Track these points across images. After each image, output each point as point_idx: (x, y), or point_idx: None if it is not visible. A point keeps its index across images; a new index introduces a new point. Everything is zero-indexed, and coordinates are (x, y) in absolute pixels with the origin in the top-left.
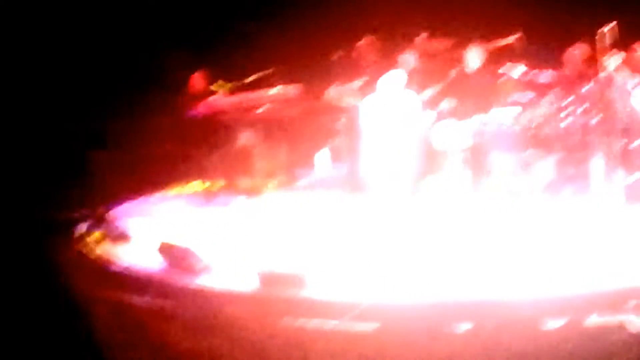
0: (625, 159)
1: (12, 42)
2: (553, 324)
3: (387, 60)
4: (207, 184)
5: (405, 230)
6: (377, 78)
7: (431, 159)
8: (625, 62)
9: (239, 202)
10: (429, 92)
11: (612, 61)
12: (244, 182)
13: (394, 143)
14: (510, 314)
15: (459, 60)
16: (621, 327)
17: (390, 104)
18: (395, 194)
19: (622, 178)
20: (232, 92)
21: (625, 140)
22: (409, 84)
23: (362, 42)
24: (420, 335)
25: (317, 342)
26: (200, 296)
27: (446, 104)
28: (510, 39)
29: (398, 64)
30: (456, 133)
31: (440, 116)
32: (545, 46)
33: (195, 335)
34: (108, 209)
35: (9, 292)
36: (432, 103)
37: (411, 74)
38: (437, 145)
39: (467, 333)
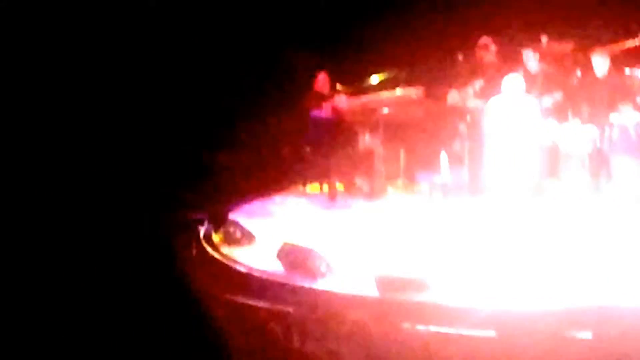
0: None
1: (141, 47)
2: None
3: (510, 62)
4: (329, 185)
5: (525, 234)
6: (498, 81)
7: (554, 162)
8: None
9: (361, 205)
10: (552, 95)
11: None
12: (366, 184)
13: (517, 146)
14: (631, 321)
15: (582, 63)
16: None
17: (513, 106)
18: (517, 198)
19: None
20: (355, 94)
21: None
22: (532, 87)
23: (482, 43)
24: (539, 342)
25: (436, 348)
26: (321, 299)
27: (570, 107)
28: (634, 41)
29: (520, 66)
30: (580, 136)
31: (564, 119)
32: None
33: (314, 339)
34: (231, 210)
35: (134, 291)
36: (556, 106)
37: (534, 77)
38: (561, 149)
39: (587, 340)
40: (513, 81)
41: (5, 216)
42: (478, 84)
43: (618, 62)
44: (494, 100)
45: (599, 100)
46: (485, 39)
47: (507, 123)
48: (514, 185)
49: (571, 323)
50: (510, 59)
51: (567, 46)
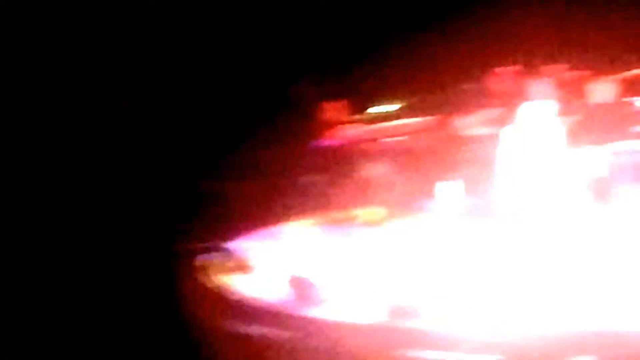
0: None
1: (150, 71)
2: None
3: (521, 90)
4: (331, 215)
5: (528, 259)
6: (510, 108)
7: (562, 188)
8: None
9: (364, 233)
10: (562, 122)
11: None
12: (371, 213)
13: (528, 173)
14: (632, 347)
15: (589, 91)
16: None
17: (526, 133)
18: (526, 224)
19: None
20: (366, 122)
21: None
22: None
23: (496, 71)
24: None
25: None
26: (319, 327)
27: (577, 134)
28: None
29: (532, 94)
30: (587, 163)
31: (572, 146)
32: None
33: None
34: (230, 239)
35: (131, 322)
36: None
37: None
38: (568, 175)
39: None
40: (530, 108)
41: None
42: (488, 112)
43: (626, 90)
44: (505, 127)
45: (606, 127)
46: (501, 69)
47: (520, 150)
48: (525, 212)
49: (573, 349)
50: (522, 87)
51: (575, 72)
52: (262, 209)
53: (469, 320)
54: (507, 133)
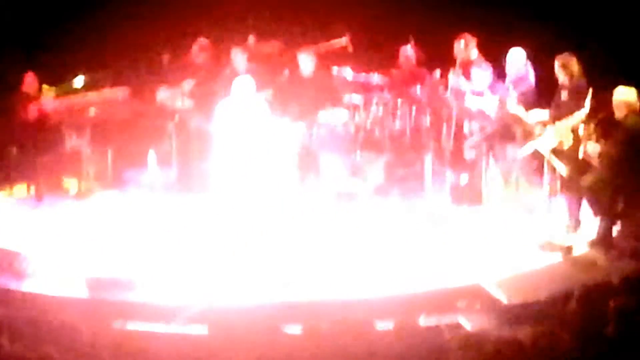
0: (455, 160)
1: None
2: (385, 324)
3: (218, 62)
4: (35, 187)
5: (237, 231)
6: (207, 80)
7: (264, 160)
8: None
9: (68, 206)
10: (260, 95)
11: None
12: (73, 184)
13: (247, 146)
14: (343, 315)
15: (289, 63)
16: (452, 327)
17: (242, 108)
18: (229, 195)
19: (451, 179)
20: (61, 94)
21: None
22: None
23: (198, 45)
24: (252, 337)
25: (148, 345)
26: (29, 301)
27: (278, 105)
28: (340, 41)
29: (229, 66)
30: (287, 134)
31: (272, 118)
32: (375, 48)
33: (24, 342)
34: None
35: None
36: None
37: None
38: (269, 146)
39: (298, 335)
40: (242, 82)
41: None
42: (187, 84)
43: (325, 61)
44: (223, 102)
45: (307, 99)
46: (201, 41)
47: (236, 124)
48: (228, 183)
49: (282, 317)
50: (219, 60)
51: (274, 45)
52: None
53: (179, 292)
54: (220, 107)
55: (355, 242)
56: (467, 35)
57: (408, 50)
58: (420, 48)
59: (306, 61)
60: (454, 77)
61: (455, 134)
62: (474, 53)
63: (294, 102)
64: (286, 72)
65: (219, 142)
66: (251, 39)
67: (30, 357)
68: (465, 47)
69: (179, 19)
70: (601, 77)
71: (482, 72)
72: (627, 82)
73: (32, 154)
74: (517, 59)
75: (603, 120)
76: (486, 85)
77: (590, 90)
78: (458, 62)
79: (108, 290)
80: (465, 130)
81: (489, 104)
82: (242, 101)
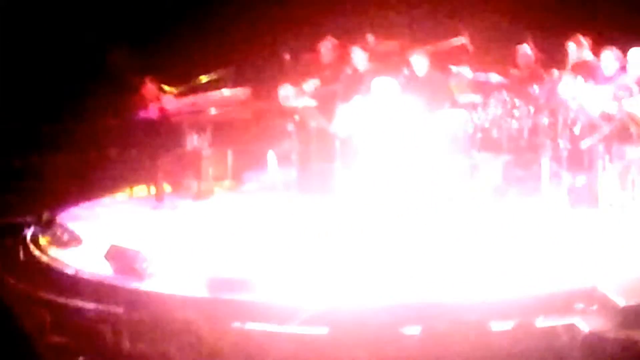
0: (574, 160)
1: None
2: (502, 325)
3: (340, 62)
4: (156, 187)
5: (357, 231)
6: (329, 80)
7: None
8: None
9: (188, 205)
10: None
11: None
12: (193, 185)
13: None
14: (460, 317)
15: (408, 62)
16: (569, 329)
17: (380, 108)
18: (351, 196)
19: (570, 180)
20: (182, 95)
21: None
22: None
23: (319, 44)
24: (371, 338)
25: (267, 346)
26: (149, 300)
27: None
28: (459, 40)
29: (349, 66)
30: (406, 135)
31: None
32: (493, 47)
33: (144, 341)
34: (58, 212)
35: None
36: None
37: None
38: (385, 147)
39: (415, 336)
40: (383, 83)
41: None
42: (309, 84)
43: (443, 61)
44: (360, 101)
45: (425, 98)
46: (330, 40)
47: (373, 125)
48: (354, 184)
49: (401, 319)
50: (342, 59)
51: (394, 45)
52: (83, 182)
53: (299, 293)
54: (344, 105)
55: (473, 243)
56: (581, 37)
57: (526, 50)
58: (538, 47)
59: (420, 61)
60: (571, 77)
61: (572, 134)
62: (590, 54)
63: (414, 102)
64: (405, 71)
65: (354, 143)
66: (371, 38)
67: (151, 355)
68: (581, 47)
69: (300, 18)
70: None
71: (600, 72)
72: None
73: (153, 155)
74: (638, 59)
75: None
76: (603, 85)
77: None
78: (574, 62)
79: (227, 290)
80: (582, 130)
81: (606, 105)
82: (383, 102)
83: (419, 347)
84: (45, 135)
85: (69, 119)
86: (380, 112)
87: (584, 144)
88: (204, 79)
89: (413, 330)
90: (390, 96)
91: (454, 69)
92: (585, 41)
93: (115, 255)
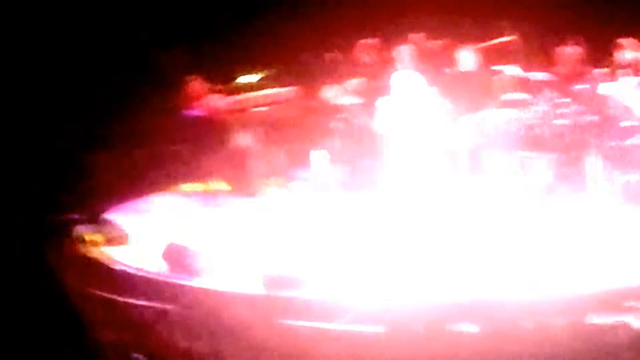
0: (621, 158)
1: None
2: (556, 323)
3: (384, 60)
4: (206, 184)
5: (408, 229)
6: (374, 78)
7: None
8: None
9: (238, 203)
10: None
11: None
12: (242, 182)
13: (399, 143)
14: (511, 315)
15: (453, 61)
16: (621, 327)
17: (396, 103)
18: (399, 194)
19: (618, 177)
20: (230, 93)
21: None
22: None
23: (361, 43)
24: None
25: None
26: (202, 297)
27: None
28: (504, 39)
29: (394, 64)
30: (453, 132)
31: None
32: (538, 46)
33: (196, 337)
34: (108, 210)
35: (7, 294)
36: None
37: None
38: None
39: (470, 334)
40: (406, 77)
41: None
42: (354, 82)
43: (490, 59)
44: (375, 96)
45: (471, 96)
46: (371, 39)
47: (390, 119)
48: (397, 181)
49: (451, 316)
50: (385, 57)
51: (439, 43)
52: (135, 179)
53: (351, 291)
54: (382, 103)
55: (523, 242)
56: (628, 37)
57: (572, 49)
58: (584, 46)
59: (467, 59)
60: (617, 76)
61: (619, 132)
62: (636, 53)
63: (459, 100)
64: (450, 69)
65: (386, 139)
66: (416, 36)
67: (203, 352)
68: (627, 46)
69: (345, 17)
70: None
71: None
72: None
73: (201, 152)
74: None
75: None
76: None
77: None
78: (620, 61)
79: (282, 288)
80: (629, 129)
81: None
82: (407, 97)
83: (475, 345)
84: (96, 134)
85: (118, 118)
86: (420, 110)
87: (631, 142)
88: (251, 77)
89: (471, 329)
90: (427, 95)
91: (502, 67)
92: (632, 40)
93: (172, 252)
